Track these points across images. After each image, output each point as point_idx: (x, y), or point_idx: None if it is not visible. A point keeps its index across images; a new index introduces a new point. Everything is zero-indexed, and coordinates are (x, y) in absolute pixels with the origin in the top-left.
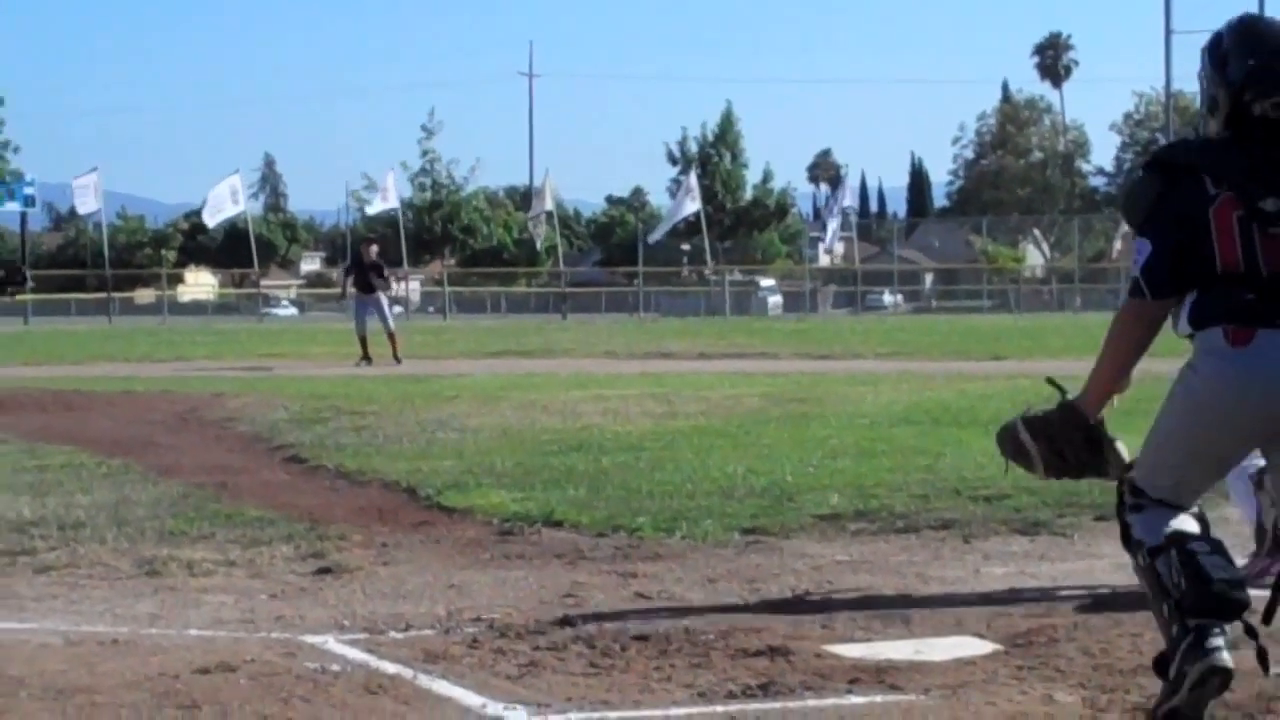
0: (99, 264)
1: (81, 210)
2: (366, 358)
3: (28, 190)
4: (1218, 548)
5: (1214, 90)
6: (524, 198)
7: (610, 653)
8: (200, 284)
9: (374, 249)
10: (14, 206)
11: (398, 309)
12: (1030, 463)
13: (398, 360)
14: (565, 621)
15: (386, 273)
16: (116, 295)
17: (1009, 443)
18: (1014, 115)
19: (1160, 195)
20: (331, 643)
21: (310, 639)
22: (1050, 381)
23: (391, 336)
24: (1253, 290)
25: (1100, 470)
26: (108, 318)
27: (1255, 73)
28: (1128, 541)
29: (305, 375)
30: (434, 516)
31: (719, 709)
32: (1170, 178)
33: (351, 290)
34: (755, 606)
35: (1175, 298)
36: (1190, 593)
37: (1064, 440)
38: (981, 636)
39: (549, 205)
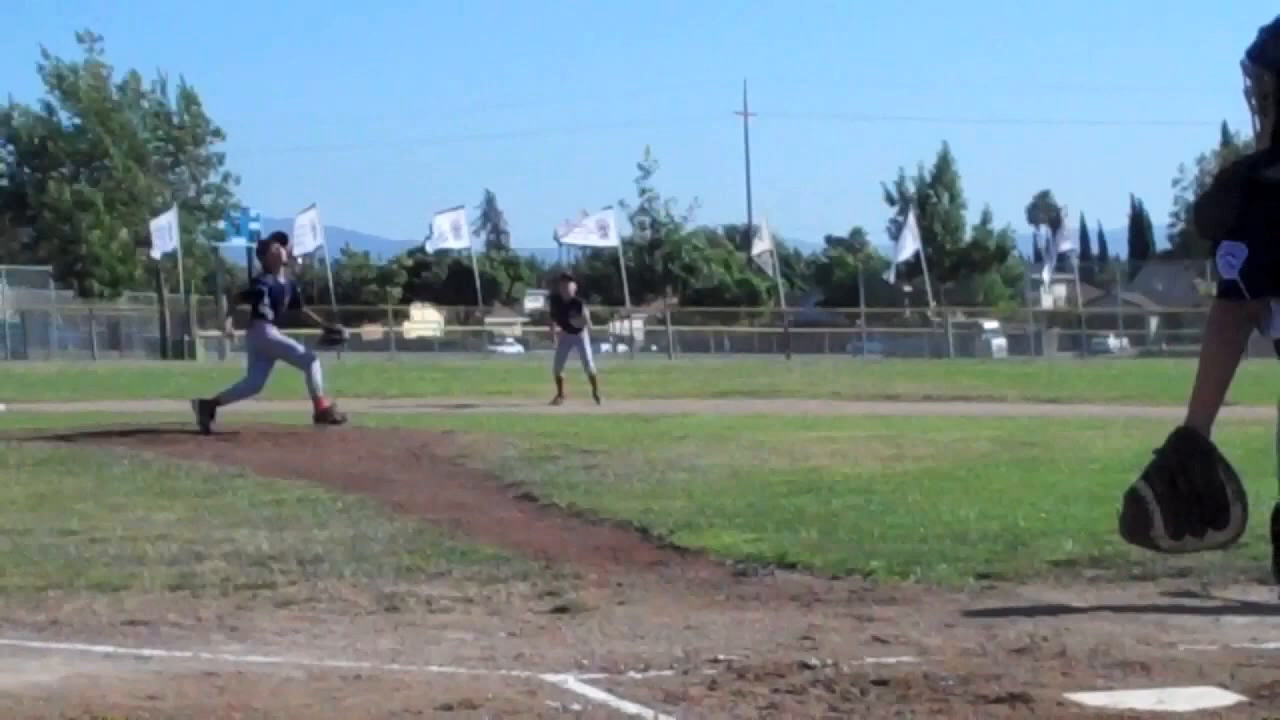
0: (325, 300)
1: (297, 251)
2: (560, 396)
3: (253, 225)
4: None
5: (1261, 89)
6: (743, 236)
7: (850, 697)
8: (426, 320)
9: (571, 286)
10: (240, 241)
11: (621, 347)
12: (1148, 521)
13: (597, 400)
14: (804, 665)
15: (585, 310)
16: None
17: (1126, 508)
18: (1234, 158)
19: (1242, 203)
20: (571, 682)
21: (550, 677)
22: None
23: (592, 378)
24: None
25: (1221, 508)
26: (336, 354)
27: None
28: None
29: (533, 413)
30: (667, 556)
31: None
32: (1249, 190)
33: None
34: (993, 652)
35: (1272, 296)
36: None
37: (1180, 469)
38: (1225, 687)
39: (768, 244)
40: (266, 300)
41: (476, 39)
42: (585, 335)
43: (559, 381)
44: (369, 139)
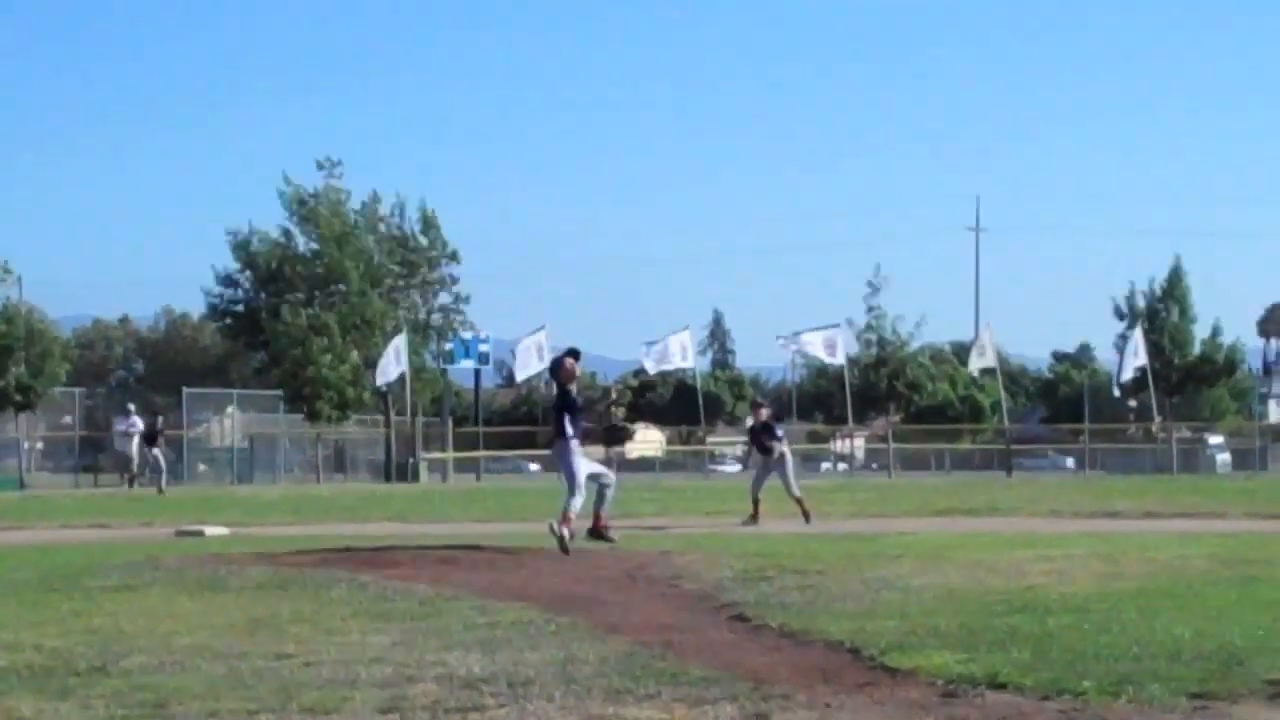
0: (551, 420)
1: (520, 374)
2: (754, 518)
3: (482, 348)
4: None
5: None
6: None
7: None
8: (649, 440)
9: (764, 411)
10: (468, 364)
11: (842, 465)
12: None
13: (806, 520)
14: None
15: (780, 432)
16: None
17: None
18: None
19: None
20: None
21: None
22: None
23: (797, 500)
24: None
25: None
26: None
27: None
28: None
29: (751, 533)
30: (877, 677)
31: None
32: None
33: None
34: None
35: None
36: None
37: None
38: None
39: (991, 360)
40: (568, 417)
41: (702, 157)
42: (783, 458)
43: (755, 502)
44: (595, 259)
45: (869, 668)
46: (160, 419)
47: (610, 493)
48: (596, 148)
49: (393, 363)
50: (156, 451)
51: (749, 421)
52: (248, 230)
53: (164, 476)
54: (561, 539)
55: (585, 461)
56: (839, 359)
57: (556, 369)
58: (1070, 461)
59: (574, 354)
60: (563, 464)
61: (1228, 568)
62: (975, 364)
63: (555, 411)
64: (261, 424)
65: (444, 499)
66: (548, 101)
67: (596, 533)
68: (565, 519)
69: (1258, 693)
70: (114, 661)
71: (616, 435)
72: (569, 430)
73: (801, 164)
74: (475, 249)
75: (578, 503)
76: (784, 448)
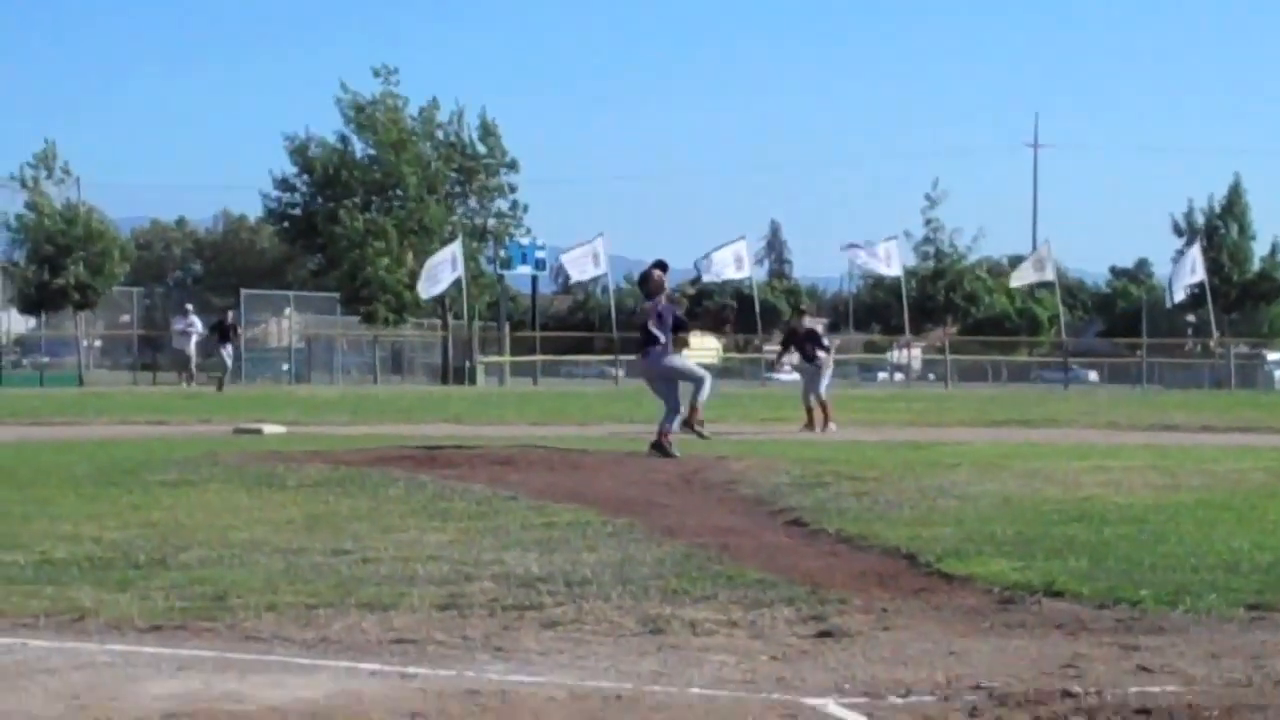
0: (606, 326)
1: (576, 278)
2: (810, 425)
3: (538, 254)
4: None
5: None
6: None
7: None
8: (705, 348)
9: (806, 320)
10: (525, 269)
11: (899, 375)
12: None
13: (825, 427)
14: (1066, 693)
15: (827, 341)
16: (623, 357)
17: None
18: None
19: None
20: (832, 706)
21: (811, 701)
22: None
23: (822, 405)
24: None
25: None
26: (614, 379)
27: None
28: None
29: (805, 439)
30: (933, 583)
31: None
32: None
33: (795, 359)
34: (1260, 684)
35: None
36: None
37: None
38: None
39: (1049, 274)
40: (662, 329)
41: (761, 67)
42: (824, 365)
43: (808, 411)
44: (655, 169)
45: (925, 574)
46: (231, 314)
47: (705, 389)
48: (656, 56)
49: (446, 271)
50: (228, 348)
51: (792, 328)
52: (304, 136)
53: (227, 375)
54: (700, 434)
55: (683, 361)
56: (896, 270)
57: (645, 281)
58: (1093, 375)
59: (661, 266)
60: (667, 370)
61: None
62: (1022, 278)
63: (649, 323)
64: (318, 325)
65: (500, 402)
66: (607, 8)
67: (688, 424)
68: (694, 413)
69: None
70: (173, 555)
71: (722, 318)
72: (660, 338)
73: (861, 75)
74: (533, 156)
75: (706, 390)
76: (827, 358)
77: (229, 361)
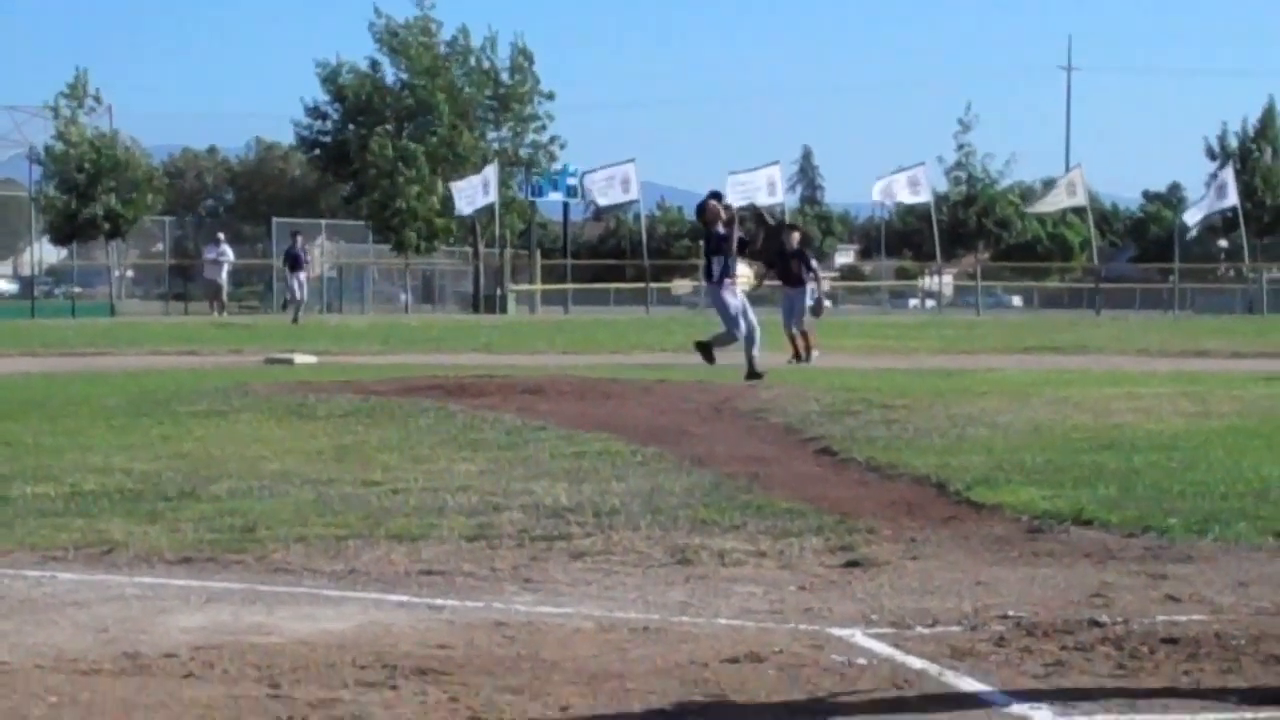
0: (637, 254)
1: (602, 202)
2: (796, 355)
3: (570, 181)
4: None
5: None
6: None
7: (1138, 654)
8: (739, 275)
9: (795, 236)
10: (556, 196)
11: (930, 302)
12: None
13: (806, 358)
14: (1093, 622)
15: (814, 263)
16: (654, 285)
17: None
18: None
19: None
20: (858, 636)
21: (837, 631)
22: None
23: (803, 334)
24: None
25: None
26: (645, 307)
27: None
28: None
29: (836, 367)
30: (962, 512)
31: (1248, 716)
32: None
33: (775, 282)
34: None
35: None
36: None
37: None
38: None
39: (1081, 199)
40: (719, 259)
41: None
42: (809, 289)
43: (791, 340)
44: (687, 94)
45: (954, 502)
46: (300, 239)
47: (757, 337)
48: None
49: (480, 192)
50: (301, 277)
51: (779, 245)
52: (336, 62)
53: (301, 307)
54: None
55: (735, 300)
56: (924, 197)
57: (701, 212)
58: (1017, 300)
59: (716, 196)
60: (716, 304)
61: None
62: (1047, 204)
63: (706, 255)
64: (350, 254)
65: (531, 331)
66: None
67: (753, 374)
68: (749, 363)
69: None
70: (203, 486)
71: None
72: (715, 272)
73: (890, 4)
74: (565, 83)
75: (740, 335)
76: (815, 285)
77: (300, 293)
